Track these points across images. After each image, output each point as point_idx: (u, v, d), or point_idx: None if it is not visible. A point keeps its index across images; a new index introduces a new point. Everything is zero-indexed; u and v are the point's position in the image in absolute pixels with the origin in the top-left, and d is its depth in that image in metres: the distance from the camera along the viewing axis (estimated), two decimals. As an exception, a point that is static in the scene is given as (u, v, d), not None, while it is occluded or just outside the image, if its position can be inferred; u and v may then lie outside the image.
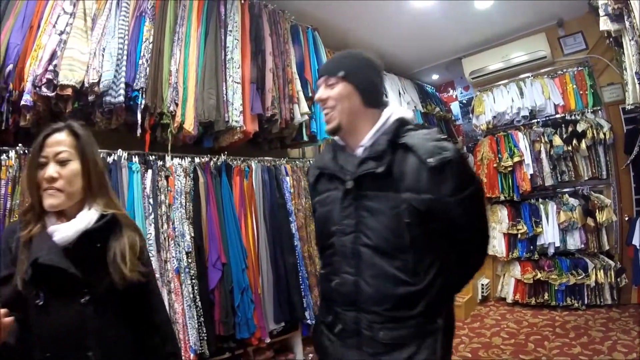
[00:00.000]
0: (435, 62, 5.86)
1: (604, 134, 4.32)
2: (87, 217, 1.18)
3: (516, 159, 4.73)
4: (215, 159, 2.98)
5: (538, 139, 4.71)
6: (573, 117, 4.62)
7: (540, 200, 4.78)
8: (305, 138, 3.53)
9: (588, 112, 4.56)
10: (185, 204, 2.65)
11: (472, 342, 3.81)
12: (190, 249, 2.59)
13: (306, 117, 3.42)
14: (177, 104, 2.65)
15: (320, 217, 1.44)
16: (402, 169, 1.24)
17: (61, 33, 2.22)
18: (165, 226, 2.54)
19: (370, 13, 4.16)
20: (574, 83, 4.67)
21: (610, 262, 4.36)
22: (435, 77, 6.50)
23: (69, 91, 2.19)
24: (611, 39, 3.39)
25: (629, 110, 3.88)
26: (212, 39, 2.91)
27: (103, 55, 2.33)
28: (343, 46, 4.58)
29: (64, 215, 1.21)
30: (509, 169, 4.81)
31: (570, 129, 4.53)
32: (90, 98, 2.30)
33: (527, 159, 4.71)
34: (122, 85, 2.36)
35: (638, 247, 3.73)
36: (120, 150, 2.48)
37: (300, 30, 3.70)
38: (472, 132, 5.75)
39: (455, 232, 1.26)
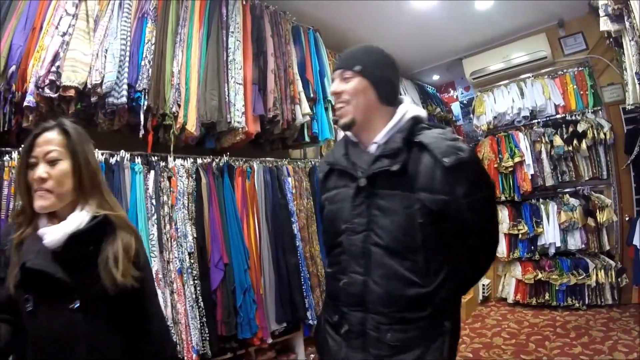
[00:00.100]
0: (436, 63, 5.87)
1: (605, 134, 4.33)
2: (78, 219, 1.13)
3: (517, 159, 4.73)
4: (217, 160, 2.99)
5: (539, 139, 4.71)
6: (573, 118, 4.63)
7: (541, 200, 4.78)
8: (307, 139, 3.53)
9: (588, 112, 4.57)
10: (188, 205, 2.66)
11: (473, 342, 3.81)
12: (193, 250, 2.60)
13: (308, 118, 3.42)
14: (179, 105, 2.65)
15: (328, 215, 1.41)
16: (416, 168, 1.22)
17: (64, 34, 2.23)
18: (167, 227, 2.54)
19: (371, 14, 4.16)
20: (574, 83, 4.68)
21: (611, 262, 4.36)
22: (435, 77, 6.51)
23: (71, 92, 2.20)
24: (611, 40, 3.40)
25: (629, 111, 3.89)
26: (214, 40, 2.91)
27: (105, 56, 2.34)
28: (344, 47, 4.55)
29: (55, 217, 1.16)
30: (510, 169, 4.81)
31: (570, 129, 4.53)
32: (93, 99, 2.31)
33: (528, 159, 4.71)
34: (125, 87, 2.37)
35: (638, 247, 3.72)
36: (122, 151, 2.49)
37: (301, 31, 3.70)
38: (472, 133, 5.76)
39: (466, 234, 1.25)
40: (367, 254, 1.24)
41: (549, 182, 4.66)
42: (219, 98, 2.81)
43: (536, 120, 4.89)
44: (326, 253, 1.50)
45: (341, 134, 4.05)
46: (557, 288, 4.45)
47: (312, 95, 3.51)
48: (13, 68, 2.10)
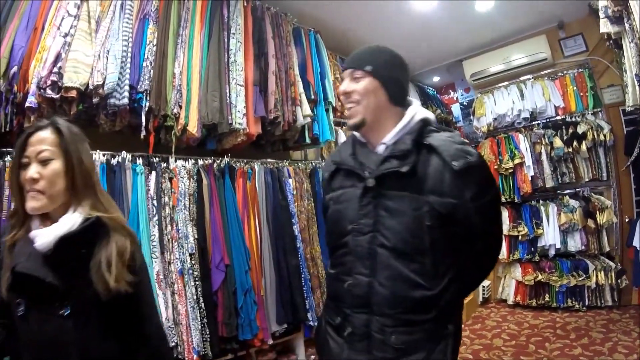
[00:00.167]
0: (436, 64, 5.87)
1: (604, 136, 4.33)
2: (70, 221, 1.08)
3: (517, 161, 4.74)
4: (218, 161, 3.00)
5: (539, 140, 4.72)
6: (573, 119, 4.63)
7: (541, 201, 4.78)
8: (308, 140, 3.54)
9: (588, 113, 4.57)
10: (189, 206, 2.66)
11: (473, 343, 3.81)
12: (194, 251, 2.60)
13: (308, 119, 3.43)
14: (180, 106, 2.66)
15: (333, 215, 1.38)
16: (425, 170, 1.21)
17: (65, 35, 2.23)
18: (169, 228, 2.55)
19: (372, 15, 4.17)
20: (574, 85, 4.68)
21: (611, 263, 4.36)
22: (436, 79, 6.51)
23: (73, 93, 2.20)
24: (611, 41, 3.41)
25: (629, 112, 3.89)
26: (215, 42, 2.92)
27: (107, 57, 2.34)
28: (345, 48, 4.60)
29: (48, 218, 1.13)
30: (510, 170, 4.82)
31: (570, 130, 4.54)
32: (95, 100, 2.31)
33: (528, 160, 4.71)
34: (127, 88, 2.37)
35: (638, 249, 3.73)
36: (124, 152, 2.49)
37: (302, 33, 3.71)
38: (472, 134, 5.76)
39: (474, 238, 1.25)
40: (373, 255, 1.23)
41: (549, 183, 4.66)
42: (220, 99, 2.82)
43: (536, 122, 4.89)
44: (329, 254, 1.47)
45: (341, 135, 4.09)
46: (557, 289, 4.44)
47: (312, 96, 3.52)
48: (15, 69, 2.10)
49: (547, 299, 4.52)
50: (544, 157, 4.68)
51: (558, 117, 4.76)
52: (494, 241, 1.35)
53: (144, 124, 2.46)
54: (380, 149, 1.30)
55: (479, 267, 1.37)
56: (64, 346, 1.05)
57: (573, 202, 4.55)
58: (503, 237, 1.46)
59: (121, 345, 1.13)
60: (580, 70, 4.68)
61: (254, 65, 3.11)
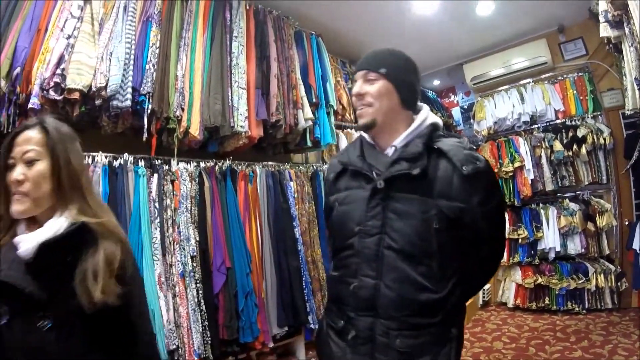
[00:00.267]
0: (437, 68, 5.88)
1: (604, 139, 4.35)
2: (55, 226, 1.01)
3: (517, 164, 4.75)
4: (220, 164, 3.00)
5: (539, 144, 4.73)
6: (573, 123, 4.64)
7: (540, 205, 4.79)
8: (309, 143, 3.54)
9: (588, 117, 4.59)
10: (191, 208, 2.66)
11: (473, 346, 3.81)
12: (195, 253, 2.60)
13: (310, 122, 3.43)
14: (183, 109, 2.66)
15: (338, 216, 1.37)
16: (435, 174, 1.22)
17: (69, 37, 2.24)
18: (170, 230, 2.55)
19: (373, 19, 4.19)
20: (574, 88, 4.70)
21: (611, 266, 4.37)
22: (436, 82, 6.53)
23: (76, 95, 2.20)
24: (611, 45, 3.42)
25: (628, 116, 3.91)
26: (218, 45, 2.92)
27: (110, 59, 2.34)
28: (345, 51, 4.62)
29: (35, 223, 1.05)
30: (510, 174, 4.82)
31: (570, 134, 4.54)
32: (98, 102, 2.31)
33: (528, 164, 4.72)
34: (129, 90, 2.37)
35: (638, 252, 3.74)
36: (126, 154, 2.49)
37: (304, 36, 3.72)
38: (473, 138, 5.76)
39: (480, 242, 1.26)
40: (380, 257, 1.23)
41: (549, 186, 4.67)
42: (223, 102, 2.82)
43: (536, 126, 4.91)
44: (332, 256, 1.46)
45: (342, 138, 4.10)
46: (557, 292, 4.45)
47: (314, 100, 3.53)
48: (18, 70, 2.10)
49: (547, 301, 4.52)
50: (544, 160, 4.69)
51: (558, 121, 4.77)
52: (499, 246, 1.36)
53: (146, 126, 2.46)
54: (390, 151, 1.30)
55: (484, 271, 1.38)
56: (47, 358, 0.98)
57: (573, 205, 4.56)
58: (505, 241, 1.47)
59: (109, 358, 1.05)
60: (580, 74, 4.70)
61: (256, 69, 3.11)
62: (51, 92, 2.14)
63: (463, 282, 1.25)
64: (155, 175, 2.57)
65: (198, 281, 2.57)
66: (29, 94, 2.12)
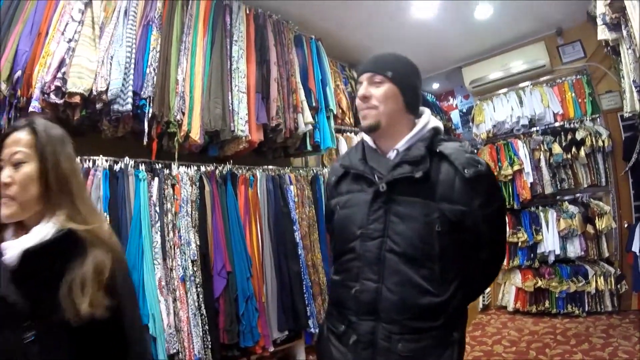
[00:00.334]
0: (436, 71, 5.90)
1: (603, 142, 4.35)
2: (41, 233, 0.96)
3: (516, 168, 4.75)
4: (220, 168, 2.99)
5: (537, 147, 4.74)
6: (572, 125, 4.65)
7: (540, 208, 4.79)
8: (309, 147, 3.54)
9: (587, 119, 4.60)
10: (191, 212, 2.65)
11: (473, 350, 3.81)
12: (196, 257, 2.59)
13: (310, 126, 3.44)
14: (183, 113, 2.66)
15: (340, 220, 1.37)
16: (437, 177, 1.22)
17: (70, 41, 2.24)
18: (171, 234, 2.54)
19: (372, 22, 4.21)
20: (572, 91, 4.71)
21: (610, 268, 4.36)
22: (435, 85, 6.55)
23: (77, 99, 2.20)
24: (609, 48, 3.43)
25: (627, 118, 3.91)
26: (218, 49, 2.93)
27: (111, 63, 2.34)
28: (345, 55, 4.63)
29: (24, 228, 1.01)
30: (509, 177, 4.82)
31: (569, 136, 4.55)
32: (98, 106, 2.31)
33: (527, 167, 4.73)
34: (130, 94, 2.37)
35: (637, 254, 3.75)
36: (127, 158, 2.49)
37: (304, 40, 3.73)
38: (472, 141, 5.78)
39: (481, 245, 1.26)
40: (382, 260, 1.23)
41: (548, 189, 4.68)
42: (223, 106, 2.82)
43: (535, 129, 4.91)
44: (333, 259, 1.45)
45: (342, 142, 4.10)
46: (556, 295, 4.45)
47: (314, 104, 3.53)
48: (19, 73, 2.10)
49: (547, 305, 4.51)
50: (542, 163, 4.70)
51: (557, 124, 4.78)
52: (500, 249, 1.37)
53: (146, 130, 2.46)
54: (392, 154, 1.31)
55: (485, 274, 1.39)
56: None
57: (572, 208, 4.57)
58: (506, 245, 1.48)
59: None
60: (578, 76, 4.72)
61: (256, 73, 3.12)
62: (52, 96, 2.13)
63: (465, 285, 1.25)
64: (156, 179, 2.56)
65: (198, 285, 2.57)
66: (30, 97, 2.11)
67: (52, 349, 0.93)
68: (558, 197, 4.80)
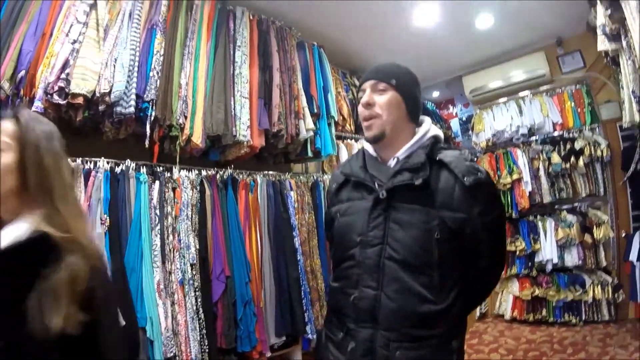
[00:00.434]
0: (436, 80, 5.93)
1: (602, 151, 4.39)
2: (12, 233, 0.88)
3: (515, 176, 4.77)
4: (221, 172, 2.99)
5: (537, 156, 4.76)
6: (571, 135, 4.69)
7: (538, 217, 4.81)
8: (310, 154, 3.54)
9: (586, 129, 4.63)
10: (191, 216, 2.64)
11: (470, 358, 3.80)
12: (195, 261, 2.57)
13: (311, 133, 3.44)
14: (185, 117, 2.66)
15: (340, 227, 1.37)
16: (437, 185, 1.23)
17: (74, 42, 2.23)
18: (170, 237, 2.53)
19: (373, 30, 4.23)
20: (572, 101, 4.74)
21: (608, 278, 4.38)
22: (435, 94, 6.58)
23: (80, 100, 2.20)
24: (609, 58, 3.46)
25: (626, 128, 3.93)
26: (221, 54, 2.93)
27: (115, 65, 2.34)
28: (346, 63, 4.65)
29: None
30: (508, 186, 4.84)
31: (568, 146, 4.58)
32: (101, 108, 2.30)
33: (526, 176, 4.75)
34: (133, 97, 2.37)
35: (635, 263, 3.76)
36: (128, 160, 2.48)
37: (306, 47, 3.74)
38: (471, 150, 5.80)
39: (481, 253, 1.26)
40: (381, 267, 1.23)
41: (547, 198, 4.70)
42: (225, 111, 2.82)
43: (534, 138, 4.94)
44: (333, 266, 1.46)
45: (343, 149, 4.10)
46: (554, 304, 4.46)
47: (315, 110, 3.53)
48: (22, 73, 2.10)
49: (544, 313, 4.52)
50: (541, 172, 4.72)
51: (556, 133, 4.82)
52: (499, 257, 1.37)
53: (148, 133, 2.46)
54: (392, 162, 1.32)
55: (484, 283, 1.39)
56: None
57: (570, 217, 4.58)
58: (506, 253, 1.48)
59: None
60: (578, 86, 4.75)
61: (259, 78, 3.12)
62: (55, 97, 2.13)
63: (464, 293, 1.26)
64: (157, 182, 2.55)
65: (197, 289, 2.55)
66: (33, 97, 2.11)
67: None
68: (556, 206, 4.81)
